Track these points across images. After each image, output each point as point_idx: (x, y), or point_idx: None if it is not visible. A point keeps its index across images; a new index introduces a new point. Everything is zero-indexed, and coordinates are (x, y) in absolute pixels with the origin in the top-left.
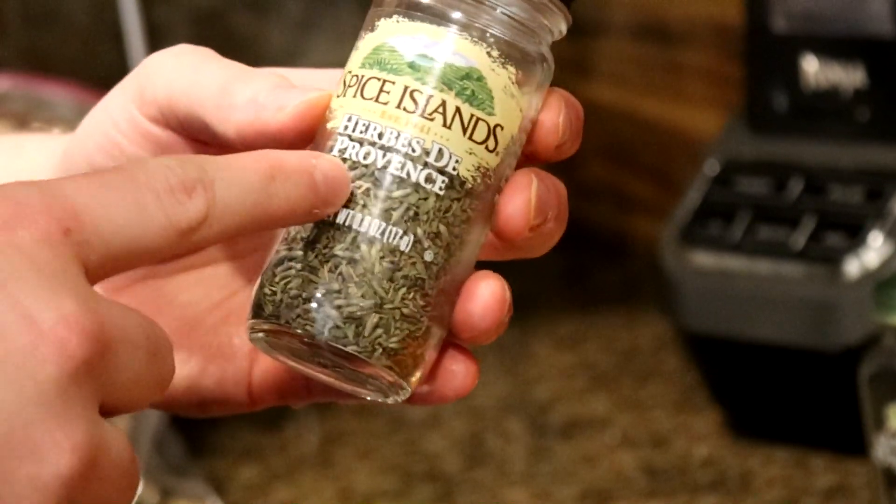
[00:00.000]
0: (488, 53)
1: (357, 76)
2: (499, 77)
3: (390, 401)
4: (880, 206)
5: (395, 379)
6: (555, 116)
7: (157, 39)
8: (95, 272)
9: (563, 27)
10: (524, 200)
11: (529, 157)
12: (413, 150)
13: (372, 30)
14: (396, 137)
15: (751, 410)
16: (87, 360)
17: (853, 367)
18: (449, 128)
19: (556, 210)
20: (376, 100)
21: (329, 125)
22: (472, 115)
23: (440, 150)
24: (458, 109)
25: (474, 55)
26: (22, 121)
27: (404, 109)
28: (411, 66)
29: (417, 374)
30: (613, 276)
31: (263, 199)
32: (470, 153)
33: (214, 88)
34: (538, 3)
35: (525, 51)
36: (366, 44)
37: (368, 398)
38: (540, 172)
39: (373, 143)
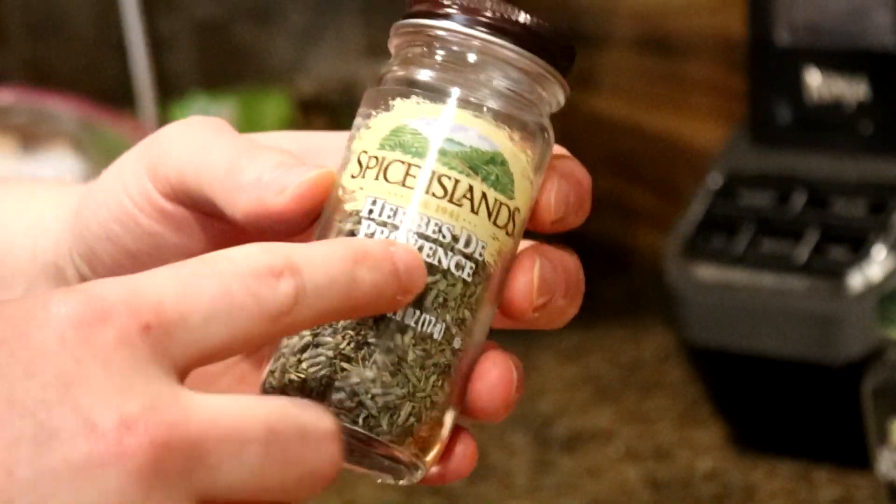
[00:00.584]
0: (510, 137)
1: (377, 158)
2: (519, 161)
3: (404, 482)
4: (883, 220)
5: (416, 462)
6: (548, 195)
7: (160, 51)
8: (187, 364)
9: (562, 98)
10: (527, 282)
11: (530, 229)
12: (443, 237)
13: (386, 109)
14: (426, 223)
15: (754, 423)
16: (153, 463)
17: (856, 380)
18: (476, 213)
19: (563, 288)
20: (402, 184)
21: (348, 206)
22: (496, 200)
23: (469, 237)
24: (484, 195)
25: (498, 139)
26: (26, 134)
27: (433, 195)
28: (438, 150)
29: (435, 457)
30: (617, 289)
31: (351, 285)
32: (493, 238)
33: (222, 169)
34: (537, 74)
35: (534, 127)
36: (381, 123)
37: (379, 480)
38: (547, 250)
39: (394, 227)
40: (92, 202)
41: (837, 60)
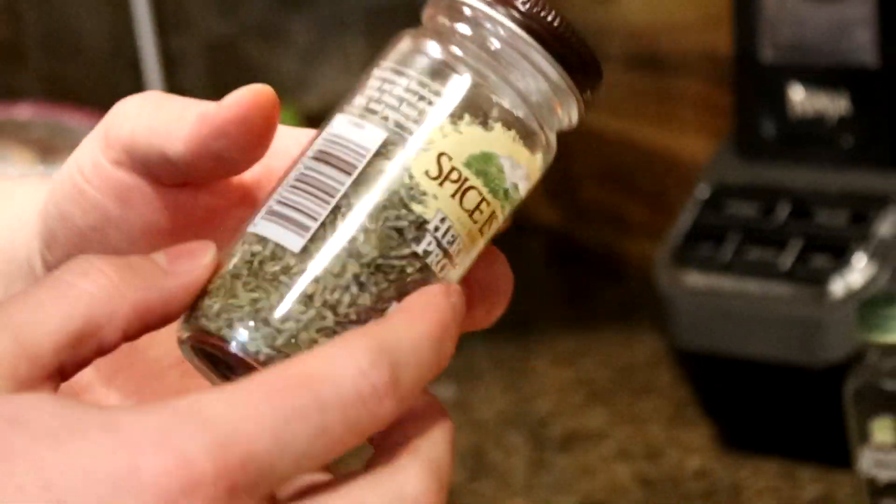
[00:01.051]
0: (535, 170)
1: (459, 174)
2: (529, 188)
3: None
4: (864, 229)
5: None
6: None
7: (172, 68)
8: (273, 490)
9: (576, 119)
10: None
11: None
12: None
13: (485, 125)
14: (462, 260)
15: (741, 424)
16: None
17: (838, 383)
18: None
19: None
20: (470, 215)
21: (413, 205)
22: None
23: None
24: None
25: (532, 180)
26: (45, 147)
27: (480, 233)
28: (505, 193)
29: None
30: (610, 296)
31: (438, 363)
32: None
33: (173, 119)
34: (568, 97)
35: (551, 151)
36: (474, 136)
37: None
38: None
39: (450, 258)
40: (53, 187)
41: (820, 77)
